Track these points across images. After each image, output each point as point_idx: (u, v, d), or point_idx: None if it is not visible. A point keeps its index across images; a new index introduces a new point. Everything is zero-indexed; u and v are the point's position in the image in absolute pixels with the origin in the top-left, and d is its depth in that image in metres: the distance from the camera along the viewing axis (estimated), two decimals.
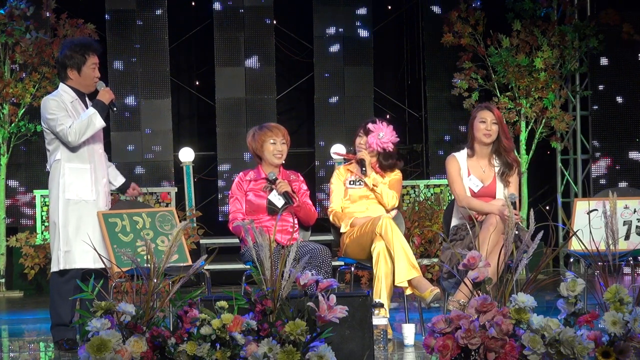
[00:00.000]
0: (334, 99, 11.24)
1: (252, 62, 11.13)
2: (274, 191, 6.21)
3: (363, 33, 11.30)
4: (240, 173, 6.38)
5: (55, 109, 5.85)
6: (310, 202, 6.37)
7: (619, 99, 10.98)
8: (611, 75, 10.99)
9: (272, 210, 6.16)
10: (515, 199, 6.07)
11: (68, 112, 5.87)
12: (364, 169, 6.38)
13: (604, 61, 10.96)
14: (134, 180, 6.42)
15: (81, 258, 5.83)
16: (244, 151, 10.97)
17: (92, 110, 5.88)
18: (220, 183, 11.08)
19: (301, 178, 6.42)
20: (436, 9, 11.19)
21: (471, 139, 6.21)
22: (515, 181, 6.19)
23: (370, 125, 6.40)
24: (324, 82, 11.26)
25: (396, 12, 12.02)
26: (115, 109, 6.03)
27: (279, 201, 6.19)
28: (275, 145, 6.24)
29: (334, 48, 11.28)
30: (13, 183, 10.47)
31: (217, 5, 11.13)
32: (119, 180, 6.22)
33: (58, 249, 5.86)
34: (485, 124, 6.15)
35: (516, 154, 10.18)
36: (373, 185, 6.37)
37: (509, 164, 6.16)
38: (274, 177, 6.20)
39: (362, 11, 11.30)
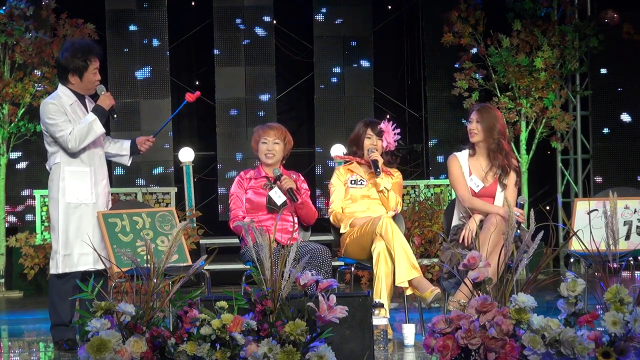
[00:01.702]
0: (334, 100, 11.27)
1: (252, 62, 11.13)
2: (274, 189, 6.22)
3: (363, 33, 11.30)
4: (241, 172, 6.39)
5: (55, 114, 5.84)
6: (310, 201, 6.37)
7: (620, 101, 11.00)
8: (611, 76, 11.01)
9: (271, 208, 6.16)
10: (523, 201, 6.09)
11: (68, 115, 5.86)
12: (378, 170, 6.35)
13: (603, 67, 10.97)
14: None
15: (81, 261, 5.83)
16: (243, 151, 10.98)
17: (92, 116, 5.87)
18: (220, 183, 11.08)
19: (302, 178, 6.42)
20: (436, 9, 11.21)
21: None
22: (512, 184, 6.16)
23: (382, 126, 6.41)
24: (324, 82, 11.26)
25: (396, 12, 12.01)
26: (115, 115, 6.02)
27: (279, 198, 6.20)
28: (266, 145, 6.25)
29: (334, 48, 11.27)
30: (13, 183, 10.46)
31: (217, 5, 11.13)
32: (125, 146, 6.19)
33: (57, 252, 5.85)
34: (471, 124, 6.16)
35: (516, 153, 10.31)
36: (384, 188, 6.35)
37: (503, 167, 6.14)
38: (278, 174, 6.20)
39: (362, 11, 11.30)
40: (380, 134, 6.42)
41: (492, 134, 6.12)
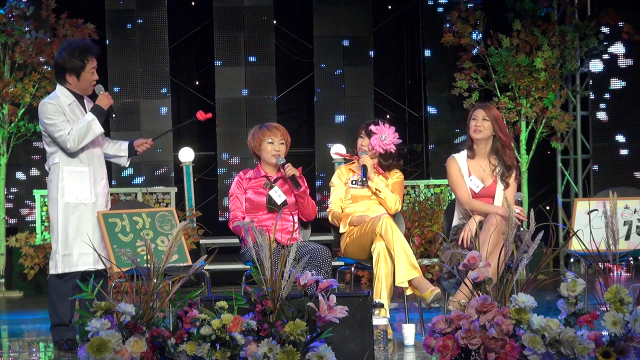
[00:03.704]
0: (334, 99, 11.27)
1: (252, 62, 11.14)
2: (274, 188, 6.22)
3: (363, 33, 11.30)
4: (240, 172, 6.39)
5: (53, 114, 5.84)
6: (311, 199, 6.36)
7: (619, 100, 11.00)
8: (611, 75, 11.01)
9: (271, 207, 6.16)
10: (521, 197, 6.09)
11: (66, 115, 5.86)
12: (364, 179, 6.34)
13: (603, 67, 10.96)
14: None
15: (81, 261, 5.83)
16: (243, 151, 10.98)
17: (90, 116, 5.86)
18: (220, 183, 11.08)
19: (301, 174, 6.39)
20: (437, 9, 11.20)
21: (469, 139, 6.22)
22: (514, 182, 6.17)
23: (372, 127, 6.38)
24: (324, 83, 11.26)
25: (396, 12, 12.01)
26: (114, 115, 6.02)
27: (279, 198, 6.20)
28: (273, 145, 6.24)
29: (334, 48, 11.27)
30: (13, 183, 10.47)
31: (217, 5, 11.13)
32: (124, 147, 6.18)
33: (56, 252, 5.85)
34: (476, 120, 6.15)
35: (516, 153, 10.31)
36: (376, 189, 6.35)
37: (507, 165, 6.15)
38: (282, 162, 6.20)
39: (362, 11, 11.30)
40: (370, 134, 6.40)
41: (497, 131, 6.14)
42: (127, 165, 6.30)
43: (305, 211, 6.27)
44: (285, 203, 6.18)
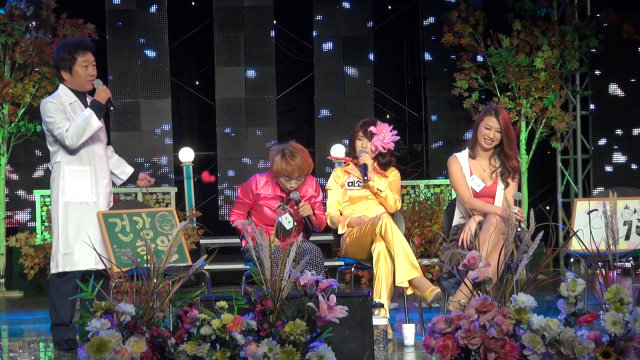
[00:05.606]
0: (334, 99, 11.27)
1: (252, 62, 11.14)
2: (286, 214, 6.14)
3: (363, 33, 11.30)
4: (257, 177, 6.28)
5: (53, 112, 5.85)
6: (323, 210, 6.33)
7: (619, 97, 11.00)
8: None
9: (279, 232, 6.05)
10: (520, 197, 6.09)
11: (67, 114, 5.87)
12: (365, 177, 6.32)
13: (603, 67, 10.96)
14: (134, 179, 6.38)
15: (82, 260, 5.83)
16: (244, 151, 10.99)
17: (88, 111, 5.87)
18: (220, 183, 11.08)
19: (314, 180, 6.35)
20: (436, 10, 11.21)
21: (474, 140, 6.20)
22: (513, 183, 6.17)
23: (372, 128, 6.36)
24: (324, 82, 11.26)
25: (396, 12, 12.02)
26: (113, 107, 6.01)
27: (288, 224, 6.13)
28: (289, 182, 6.17)
29: (334, 48, 11.27)
30: (13, 183, 10.47)
31: (217, 5, 11.13)
32: (127, 171, 6.20)
33: (57, 251, 5.85)
34: (490, 131, 6.12)
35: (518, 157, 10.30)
36: (377, 189, 6.34)
37: (507, 170, 6.15)
38: (297, 199, 6.16)
39: (362, 11, 11.30)
40: (371, 136, 6.38)
41: (504, 143, 6.13)
42: (118, 185, 6.33)
43: (315, 228, 6.28)
44: (293, 229, 6.13)
